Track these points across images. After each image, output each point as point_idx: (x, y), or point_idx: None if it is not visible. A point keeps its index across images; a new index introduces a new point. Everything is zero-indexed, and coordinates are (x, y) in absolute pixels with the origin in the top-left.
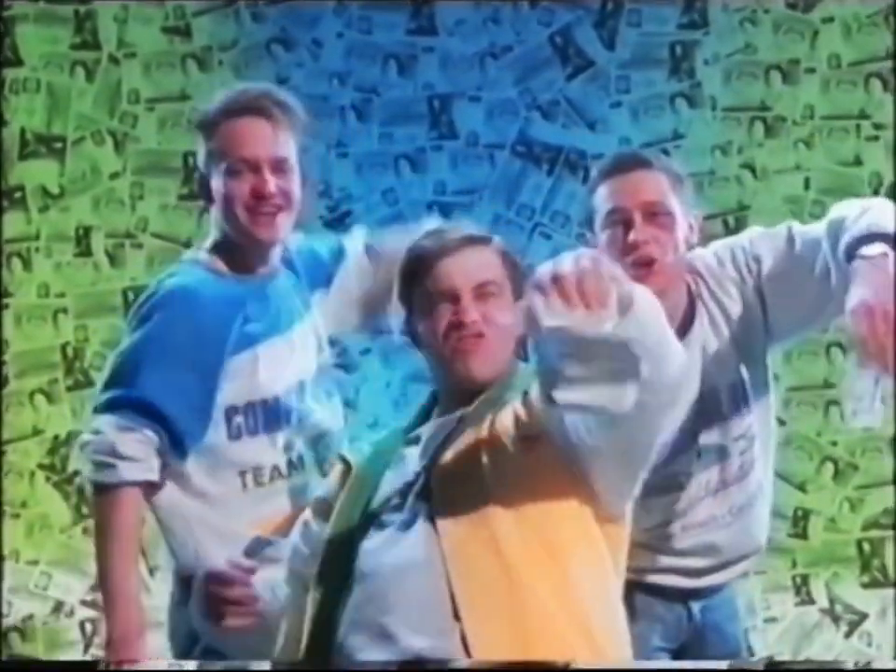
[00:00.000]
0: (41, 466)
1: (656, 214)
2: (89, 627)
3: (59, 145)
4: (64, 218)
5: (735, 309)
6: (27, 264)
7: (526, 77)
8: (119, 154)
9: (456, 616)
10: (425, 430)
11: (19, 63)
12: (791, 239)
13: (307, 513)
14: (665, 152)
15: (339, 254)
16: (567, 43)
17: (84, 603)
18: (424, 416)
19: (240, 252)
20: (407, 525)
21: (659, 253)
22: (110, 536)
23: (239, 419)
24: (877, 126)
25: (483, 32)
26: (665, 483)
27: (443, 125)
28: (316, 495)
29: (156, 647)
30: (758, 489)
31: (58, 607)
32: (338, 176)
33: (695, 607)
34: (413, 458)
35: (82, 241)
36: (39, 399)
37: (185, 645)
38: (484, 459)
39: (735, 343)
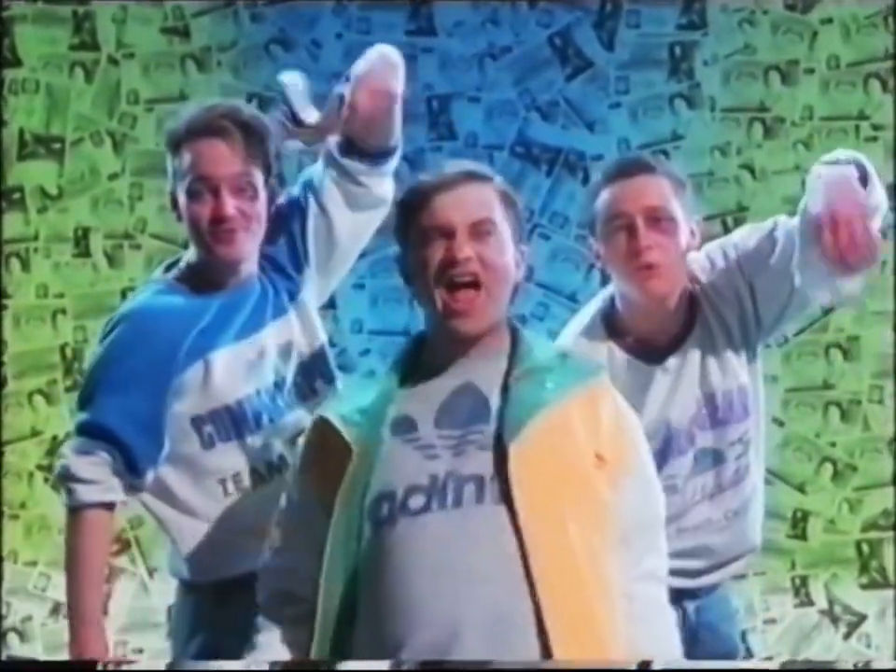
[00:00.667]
0: (40, 467)
1: (659, 219)
2: None
3: (58, 145)
4: (63, 219)
5: (730, 310)
6: (26, 265)
7: (525, 78)
8: (117, 155)
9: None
10: (431, 391)
11: (17, 63)
12: (776, 229)
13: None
14: (665, 153)
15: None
16: (567, 44)
17: None
18: (412, 361)
19: (207, 270)
20: (468, 515)
21: (662, 258)
22: (72, 557)
23: (208, 428)
24: (876, 127)
25: (481, 33)
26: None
27: (442, 126)
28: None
29: (155, 647)
30: (752, 493)
31: (56, 608)
32: None
33: (690, 606)
34: (427, 428)
35: (81, 242)
36: (38, 399)
37: (185, 646)
38: (564, 464)
39: (732, 347)
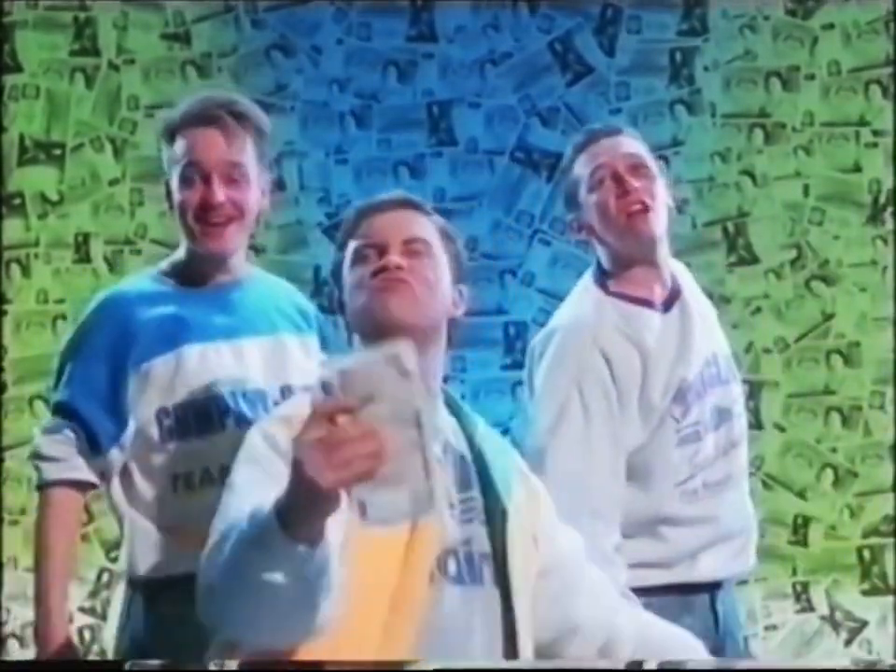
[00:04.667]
0: None
1: (637, 166)
2: (87, 634)
3: (58, 151)
4: (63, 225)
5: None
6: (26, 270)
7: (526, 84)
8: (118, 161)
9: None
10: None
11: (18, 69)
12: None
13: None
14: (665, 159)
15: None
16: (567, 49)
17: (82, 610)
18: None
19: (194, 263)
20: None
21: (650, 201)
22: (38, 541)
23: (169, 421)
24: (877, 133)
25: (482, 38)
26: (686, 436)
27: (443, 131)
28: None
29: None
30: (744, 466)
31: None
32: (337, 183)
33: (720, 610)
34: None
35: (81, 247)
36: (38, 405)
37: (118, 640)
38: (525, 545)
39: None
